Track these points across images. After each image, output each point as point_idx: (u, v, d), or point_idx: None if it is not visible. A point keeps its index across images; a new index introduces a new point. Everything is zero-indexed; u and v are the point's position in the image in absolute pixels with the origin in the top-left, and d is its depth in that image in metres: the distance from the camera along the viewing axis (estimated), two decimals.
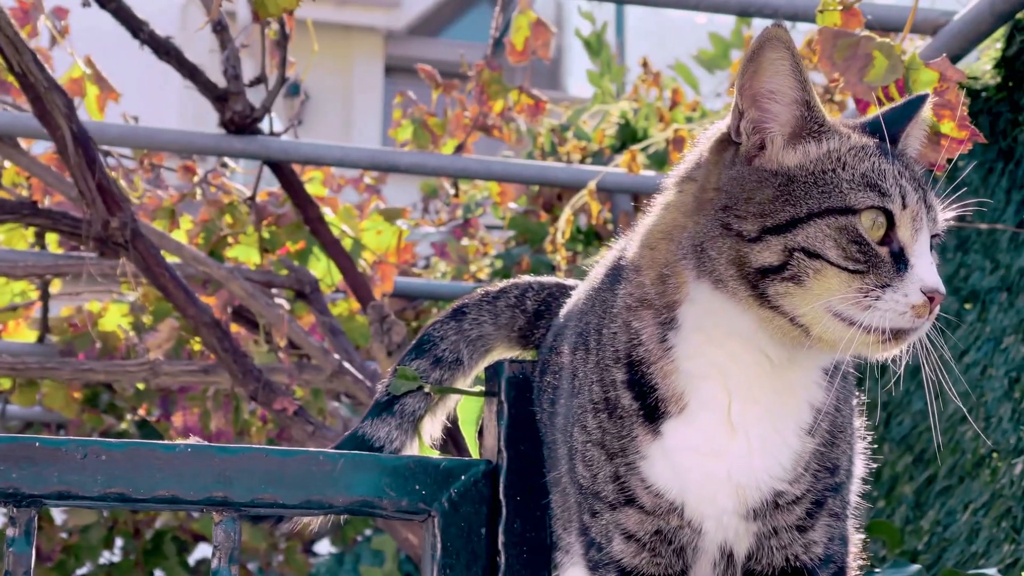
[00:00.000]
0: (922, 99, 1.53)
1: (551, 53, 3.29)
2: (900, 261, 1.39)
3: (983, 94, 2.96)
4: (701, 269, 1.43)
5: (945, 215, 1.48)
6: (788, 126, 1.43)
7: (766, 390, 1.46)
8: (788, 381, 1.47)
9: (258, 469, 1.64)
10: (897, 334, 1.38)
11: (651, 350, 1.48)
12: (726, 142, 1.46)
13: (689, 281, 1.45)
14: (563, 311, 1.74)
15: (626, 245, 1.57)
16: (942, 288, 1.39)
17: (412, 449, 1.77)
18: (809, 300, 1.38)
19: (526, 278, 1.85)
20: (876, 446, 3.38)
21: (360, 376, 3.03)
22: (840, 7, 1.78)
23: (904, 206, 1.40)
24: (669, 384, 1.47)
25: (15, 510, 1.58)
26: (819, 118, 1.44)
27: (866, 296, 1.37)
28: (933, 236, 1.44)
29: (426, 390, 1.75)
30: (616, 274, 1.55)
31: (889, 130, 1.46)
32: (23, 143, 3.27)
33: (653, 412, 1.48)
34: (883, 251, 1.39)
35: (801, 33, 4.04)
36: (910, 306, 1.37)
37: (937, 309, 1.39)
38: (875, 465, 2.89)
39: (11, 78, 3.11)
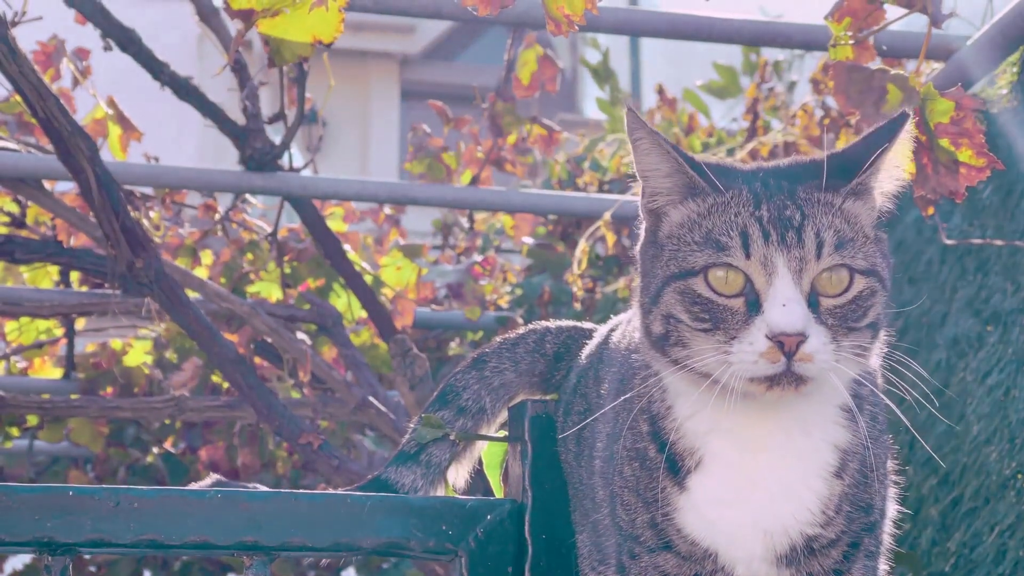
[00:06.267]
0: (901, 121, 1.47)
1: (558, 85, 3.29)
2: (754, 309, 1.38)
3: (1000, 119, 2.97)
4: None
5: (832, 245, 1.39)
6: (675, 195, 1.46)
7: (776, 436, 1.47)
8: (800, 424, 1.47)
9: (287, 513, 1.66)
10: (774, 379, 1.37)
11: (659, 409, 1.52)
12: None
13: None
14: (585, 351, 1.76)
15: None
16: (791, 328, 1.34)
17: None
18: (699, 358, 1.39)
19: (543, 323, 1.89)
20: (901, 469, 3.35)
21: (383, 408, 3.05)
22: (852, 42, 1.80)
23: (748, 255, 1.38)
24: (681, 441, 1.50)
25: (50, 558, 1.60)
26: (694, 183, 1.44)
27: (722, 352, 1.38)
28: (827, 270, 1.38)
29: (452, 437, 1.78)
30: None
31: (856, 160, 1.44)
32: (46, 183, 3.31)
33: (675, 466, 1.51)
34: (736, 303, 1.38)
35: (816, 58, 4.05)
36: (758, 354, 1.36)
37: (804, 348, 1.35)
38: (900, 488, 2.86)
39: (35, 120, 3.16)
